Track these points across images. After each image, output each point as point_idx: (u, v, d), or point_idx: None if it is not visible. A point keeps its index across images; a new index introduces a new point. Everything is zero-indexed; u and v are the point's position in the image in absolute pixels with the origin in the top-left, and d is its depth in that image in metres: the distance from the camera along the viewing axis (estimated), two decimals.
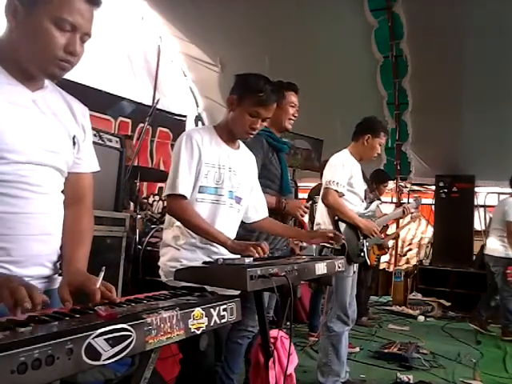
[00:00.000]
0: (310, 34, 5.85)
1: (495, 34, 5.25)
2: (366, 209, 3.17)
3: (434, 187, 7.19)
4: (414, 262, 7.65)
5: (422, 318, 5.82)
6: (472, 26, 5.28)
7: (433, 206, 7.28)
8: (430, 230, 7.67)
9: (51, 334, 0.78)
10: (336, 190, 2.86)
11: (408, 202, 3.86)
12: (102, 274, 1.15)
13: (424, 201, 7.96)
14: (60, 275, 1.29)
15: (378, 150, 3.10)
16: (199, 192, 1.90)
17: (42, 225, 1.19)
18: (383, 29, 5.88)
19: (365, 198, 3.30)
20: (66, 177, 1.30)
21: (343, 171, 2.92)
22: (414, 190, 7.89)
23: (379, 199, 4.03)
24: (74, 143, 1.29)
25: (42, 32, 1.11)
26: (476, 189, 6.72)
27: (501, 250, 4.90)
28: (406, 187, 7.75)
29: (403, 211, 3.46)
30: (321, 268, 1.79)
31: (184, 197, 1.85)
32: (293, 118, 2.62)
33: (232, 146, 2.05)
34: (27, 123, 1.15)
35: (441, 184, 6.96)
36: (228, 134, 2.02)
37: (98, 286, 1.11)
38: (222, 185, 1.95)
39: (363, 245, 2.99)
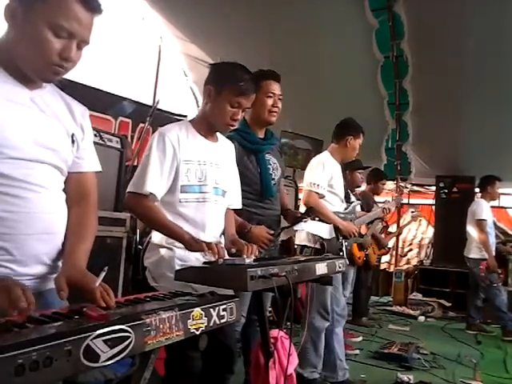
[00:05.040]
0: (310, 34, 5.85)
1: (495, 34, 5.25)
2: (345, 209, 3.26)
3: (434, 188, 7.19)
4: (414, 262, 7.66)
5: (422, 319, 5.81)
6: (472, 26, 5.28)
7: (433, 207, 7.28)
8: (431, 231, 7.67)
9: (49, 335, 0.78)
10: (317, 192, 2.94)
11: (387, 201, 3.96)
12: (103, 274, 1.14)
13: (424, 201, 7.99)
14: None
15: (357, 150, 3.24)
16: (182, 192, 1.81)
17: (42, 224, 1.18)
18: (384, 29, 5.88)
19: (346, 199, 3.41)
20: (67, 176, 1.30)
21: (324, 173, 2.99)
22: (414, 191, 7.89)
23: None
24: (73, 141, 1.29)
25: (37, 36, 1.11)
26: (476, 189, 6.71)
27: (476, 252, 5.03)
28: (406, 187, 7.75)
29: (383, 210, 3.53)
30: (321, 268, 1.78)
31: (148, 196, 1.76)
32: (273, 109, 2.39)
33: (211, 139, 1.95)
34: (25, 120, 1.16)
35: (441, 184, 6.96)
36: (207, 126, 1.92)
37: (97, 284, 1.10)
38: (205, 181, 1.86)
39: (342, 244, 3.05)
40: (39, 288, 1.20)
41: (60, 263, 1.26)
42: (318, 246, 2.98)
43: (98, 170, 1.43)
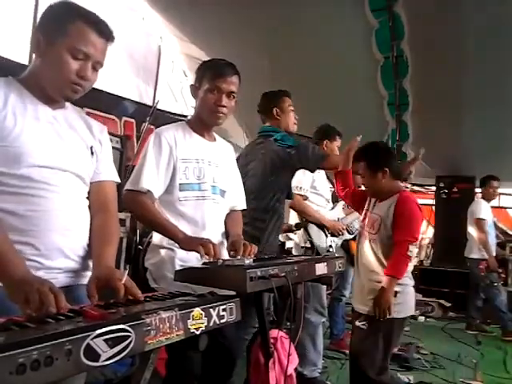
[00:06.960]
0: (310, 35, 5.84)
1: (495, 34, 5.24)
2: (331, 209, 3.46)
3: (434, 188, 7.19)
4: (414, 262, 7.63)
5: (422, 319, 5.80)
6: (472, 27, 5.27)
7: (433, 207, 7.28)
8: (431, 231, 7.67)
9: (50, 334, 0.78)
10: (300, 194, 3.17)
11: None
12: (126, 272, 1.24)
13: (424, 201, 7.98)
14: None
15: (338, 152, 3.47)
16: (180, 190, 1.82)
17: (60, 221, 1.33)
18: (384, 29, 5.87)
19: (334, 200, 3.61)
20: (89, 186, 1.47)
21: (305, 177, 3.21)
22: (414, 191, 7.89)
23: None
24: (92, 153, 1.48)
25: (59, 60, 1.32)
26: (476, 189, 6.71)
27: (477, 252, 5.05)
28: (406, 188, 7.74)
29: None
30: (321, 268, 1.78)
31: (145, 193, 1.77)
32: (295, 121, 2.73)
33: (207, 138, 1.97)
34: (48, 134, 1.35)
35: (441, 185, 6.96)
36: (200, 124, 1.94)
37: (123, 281, 1.20)
38: (203, 179, 1.86)
39: (331, 240, 3.23)
40: (70, 283, 1.35)
41: (88, 262, 1.41)
42: (308, 244, 3.18)
43: (117, 181, 1.57)
